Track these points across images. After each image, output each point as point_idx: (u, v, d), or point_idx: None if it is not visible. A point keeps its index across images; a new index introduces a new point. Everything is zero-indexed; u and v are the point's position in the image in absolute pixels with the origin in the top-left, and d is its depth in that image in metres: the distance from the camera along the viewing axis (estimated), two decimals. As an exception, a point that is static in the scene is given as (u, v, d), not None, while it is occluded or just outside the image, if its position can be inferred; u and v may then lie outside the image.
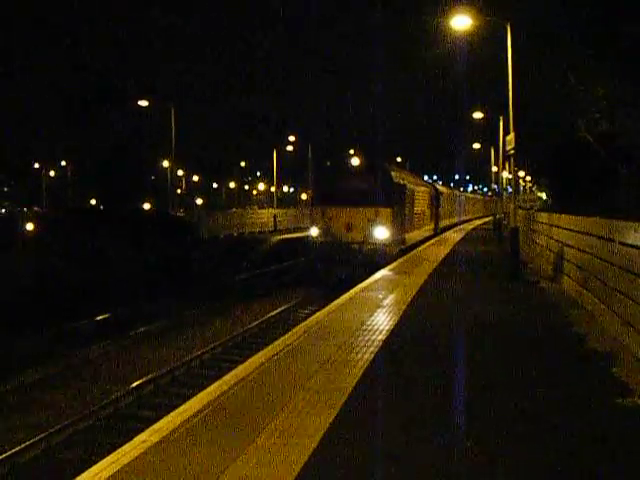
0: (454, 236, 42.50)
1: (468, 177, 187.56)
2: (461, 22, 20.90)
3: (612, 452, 6.34)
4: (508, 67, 20.48)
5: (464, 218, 67.81)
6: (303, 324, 12.82)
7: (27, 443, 11.14)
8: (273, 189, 75.35)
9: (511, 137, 20.24)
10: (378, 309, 14.15)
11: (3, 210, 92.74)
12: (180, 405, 7.77)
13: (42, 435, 11.48)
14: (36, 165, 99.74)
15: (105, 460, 6.08)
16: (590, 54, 24.76)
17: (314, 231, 27.66)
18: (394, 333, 11.54)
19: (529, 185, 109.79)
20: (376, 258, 25.71)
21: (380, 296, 16.14)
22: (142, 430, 6.94)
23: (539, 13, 29.01)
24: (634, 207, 24.45)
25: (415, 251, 29.84)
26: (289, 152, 79.20)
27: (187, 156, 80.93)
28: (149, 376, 15.09)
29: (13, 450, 10.86)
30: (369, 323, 12.49)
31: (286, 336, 11.54)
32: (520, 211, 30.61)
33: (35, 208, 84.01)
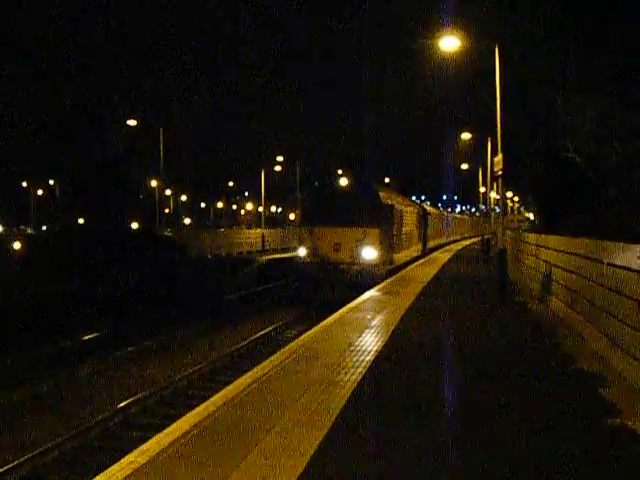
0: (442, 256, 42.58)
1: (456, 197, 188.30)
2: (449, 43, 21.05)
3: (598, 472, 6.34)
4: (496, 88, 20.59)
5: (452, 238, 68.05)
6: (291, 344, 12.79)
7: (14, 463, 11.03)
8: (261, 209, 75.38)
9: (499, 158, 20.30)
10: (366, 330, 14.13)
11: None
12: (168, 426, 7.72)
13: (29, 455, 11.37)
14: (24, 184, 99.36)
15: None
16: (569, 76, 24.94)
17: (302, 251, 27.69)
18: (382, 354, 11.53)
19: (517, 205, 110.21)
20: (364, 278, 25.72)
21: (368, 317, 16.12)
22: (130, 451, 6.90)
23: (523, 36, 29.15)
24: (619, 227, 24.53)
25: (403, 271, 29.87)
26: (277, 172, 79.40)
27: (175, 175, 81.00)
28: (137, 396, 14.98)
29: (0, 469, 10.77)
30: (357, 344, 12.47)
31: (274, 356, 11.51)
32: (508, 232, 30.71)
33: (22, 227, 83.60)
